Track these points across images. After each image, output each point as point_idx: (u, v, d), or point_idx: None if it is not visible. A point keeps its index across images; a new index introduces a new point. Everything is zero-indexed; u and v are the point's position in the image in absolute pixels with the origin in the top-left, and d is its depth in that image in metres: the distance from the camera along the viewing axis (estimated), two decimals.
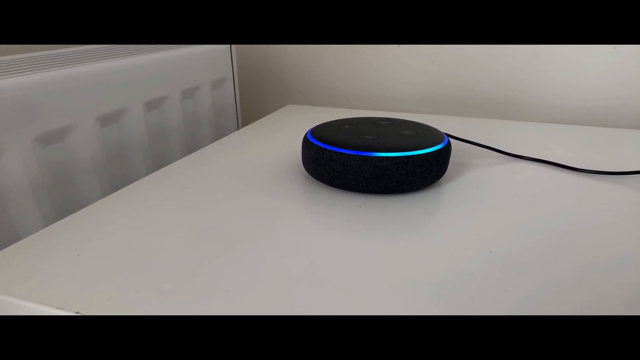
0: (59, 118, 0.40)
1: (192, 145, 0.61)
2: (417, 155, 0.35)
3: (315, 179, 0.39)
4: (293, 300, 0.25)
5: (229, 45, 0.64)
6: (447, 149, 0.37)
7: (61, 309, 0.24)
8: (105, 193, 0.46)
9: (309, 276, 0.27)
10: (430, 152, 0.36)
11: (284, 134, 0.54)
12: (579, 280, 0.26)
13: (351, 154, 0.35)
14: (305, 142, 0.39)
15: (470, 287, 0.26)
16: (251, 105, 0.82)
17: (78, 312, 0.24)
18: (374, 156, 0.35)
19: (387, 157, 0.35)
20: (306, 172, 0.42)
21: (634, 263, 0.28)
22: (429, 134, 0.39)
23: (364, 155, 0.35)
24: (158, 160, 0.55)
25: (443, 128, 0.56)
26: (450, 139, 0.50)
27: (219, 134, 0.66)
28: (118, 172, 0.49)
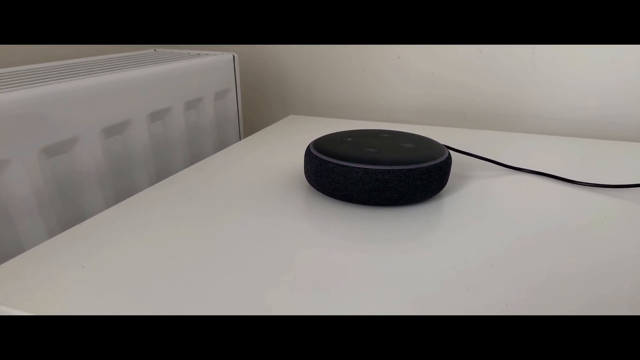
0: (64, 130, 0.41)
1: (194, 156, 0.61)
2: (419, 168, 0.36)
3: (318, 190, 0.40)
4: (294, 309, 0.25)
5: (232, 57, 0.65)
6: (447, 162, 0.38)
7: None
8: (109, 204, 0.47)
9: (310, 287, 0.27)
10: (431, 165, 0.36)
11: (285, 145, 0.55)
12: (579, 295, 0.27)
13: (353, 167, 0.36)
14: (308, 154, 0.39)
15: (472, 301, 0.26)
16: (253, 115, 0.82)
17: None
18: (375, 169, 0.35)
19: (388, 170, 0.35)
20: (308, 184, 0.42)
21: (634, 277, 0.28)
22: (429, 147, 0.39)
23: (366, 168, 0.35)
24: (161, 170, 0.55)
25: (443, 140, 0.56)
26: (451, 152, 0.51)
27: (221, 144, 0.67)
28: (122, 182, 0.49)
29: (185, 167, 0.58)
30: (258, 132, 0.60)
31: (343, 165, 0.36)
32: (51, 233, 0.41)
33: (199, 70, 0.58)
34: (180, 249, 0.31)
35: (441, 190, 0.39)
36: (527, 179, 0.44)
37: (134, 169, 0.50)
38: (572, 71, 0.61)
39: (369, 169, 0.35)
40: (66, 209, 0.43)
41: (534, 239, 0.33)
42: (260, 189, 0.42)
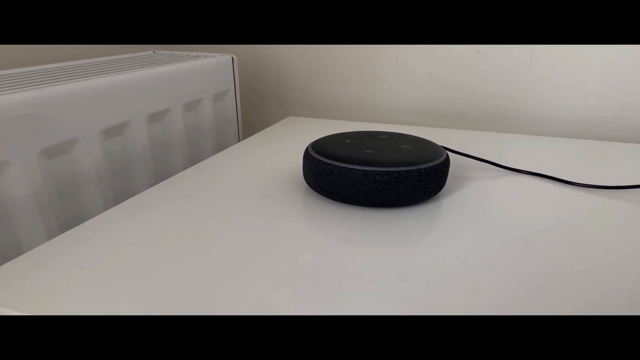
0: (64, 131, 0.41)
1: (193, 157, 0.61)
2: (417, 169, 0.36)
3: (316, 192, 0.40)
4: (293, 310, 0.25)
5: (231, 59, 0.65)
6: (445, 164, 0.38)
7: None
8: (108, 205, 0.47)
9: (309, 288, 0.27)
10: (429, 167, 0.36)
11: (284, 146, 0.55)
12: (576, 295, 0.27)
13: (352, 168, 0.36)
14: (307, 155, 0.39)
15: (470, 302, 0.26)
16: (252, 117, 0.82)
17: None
18: (374, 170, 0.35)
19: (387, 172, 0.35)
20: (307, 185, 0.42)
21: (632, 277, 0.28)
22: (428, 149, 0.40)
23: (364, 170, 0.36)
24: (160, 171, 0.55)
25: (442, 141, 0.57)
26: (449, 153, 0.51)
27: (220, 145, 0.67)
28: (121, 184, 0.49)
29: (185, 168, 0.58)
30: (257, 134, 0.60)
31: (341, 167, 0.36)
32: (50, 234, 0.41)
33: (198, 72, 0.58)
34: (180, 250, 0.32)
35: (439, 191, 0.39)
36: (525, 180, 0.44)
37: (133, 170, 0.50)
38: (570, 72, 0.62)
39: (367, 170, 0.35)
40: (66, 210, 0.43)
41: (532, 240, 0.33)
42: (259, 190, 0.42)
